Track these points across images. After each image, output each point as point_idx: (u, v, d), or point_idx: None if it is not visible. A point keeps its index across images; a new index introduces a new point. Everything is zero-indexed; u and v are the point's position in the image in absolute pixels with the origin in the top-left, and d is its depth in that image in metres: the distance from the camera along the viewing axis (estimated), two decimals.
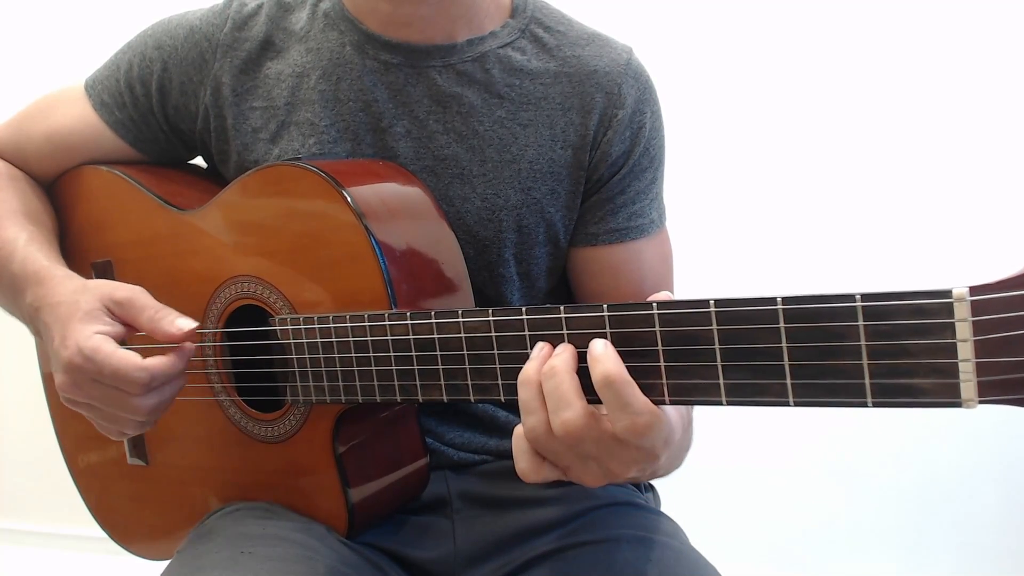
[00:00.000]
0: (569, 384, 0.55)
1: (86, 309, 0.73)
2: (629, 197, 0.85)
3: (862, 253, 1.57)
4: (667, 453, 0.58)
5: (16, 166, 0.93)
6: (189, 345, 0.73)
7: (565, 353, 0.56)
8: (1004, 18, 1.48)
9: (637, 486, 0.91)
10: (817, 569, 1.67)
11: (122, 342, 0.73)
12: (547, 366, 0.56)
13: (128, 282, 0.88)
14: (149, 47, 0.87)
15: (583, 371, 0.55)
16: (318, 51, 0.83)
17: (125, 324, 0.74)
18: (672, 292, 0.92)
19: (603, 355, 0.54)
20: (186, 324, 0.72)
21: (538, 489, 0.84)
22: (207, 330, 0.81)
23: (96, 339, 0.70)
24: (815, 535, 1.67)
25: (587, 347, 0.55)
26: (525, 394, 0.57)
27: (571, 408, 0.55)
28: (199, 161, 0.95)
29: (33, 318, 0.79)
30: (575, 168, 0.83)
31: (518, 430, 0.59)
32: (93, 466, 0.97)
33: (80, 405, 0.74)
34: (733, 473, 1.67)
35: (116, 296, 0.74)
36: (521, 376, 0.58)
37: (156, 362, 0.70)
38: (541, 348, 0.58)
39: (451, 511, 0.83)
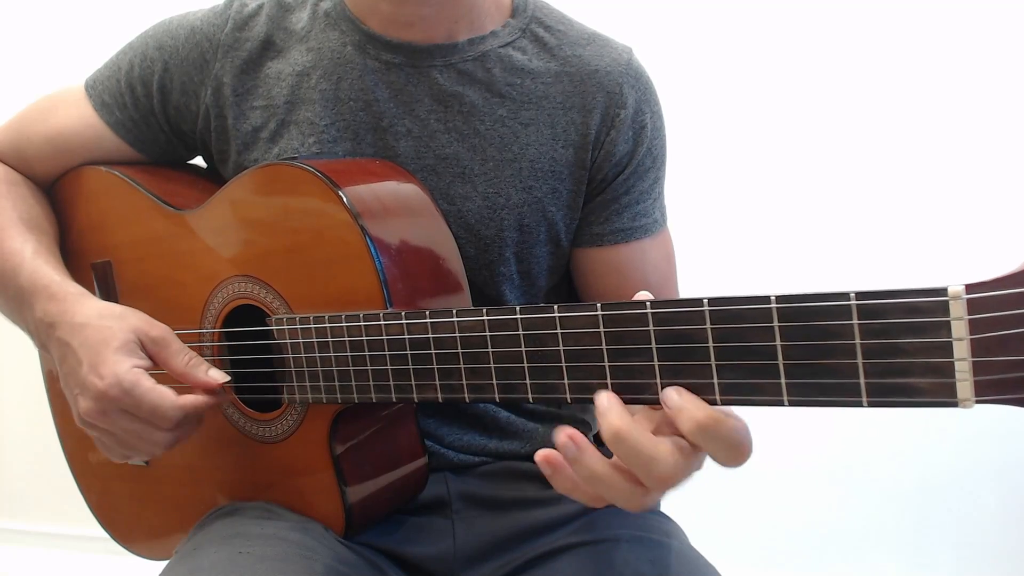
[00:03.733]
0: (644, 439, 0.51)
1: (122, 340, 0.73)
2: (633, 197, 0.85)
3: (857, 252, 1.57)
4: None
5: (16, 168, 0.93)
6: (223, 394, 0.76)
7: (615, 405, 0.53)
8: (1001, 18, 1.48)
9: None
10: (817, 569, 1.67)
11: None
12: (609, 431, 0.52)
13: (128, 282, 0.89)
14: (150, 47, 0.87)
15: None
16: (319, 51, 0.83)
17: (154, 360, 0.75)
18: (677, 289, 0.92)
19: (682, 401, 0.52)
20: (219, 376, 0.75)
21: (538, 489, 0.84)
22: (204, 330, 0.81)
23: (135, 372, 0.72)
24: (815, 535, 1.67)
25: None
26: (611, 493, 0.54)
27: (661, 462, 0.51)
28: (199, 161, 0.95)
29: (43, 332, 0.79)
30: (577, 167, 0.83)
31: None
32: (94, 466, 0.97)
33: (99, 430, 0.75)
34: (733, 473, 1.67)
35: (152, 334, 0.75)
36: (591, 475, 0.53)
37: (190, 401, 0.73)
38: (572, 439, 0.53)
39: (451, 512, 0.83)
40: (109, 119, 0.89)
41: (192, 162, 0.96)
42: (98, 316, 0.75)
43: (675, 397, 0.52)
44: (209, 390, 0.74)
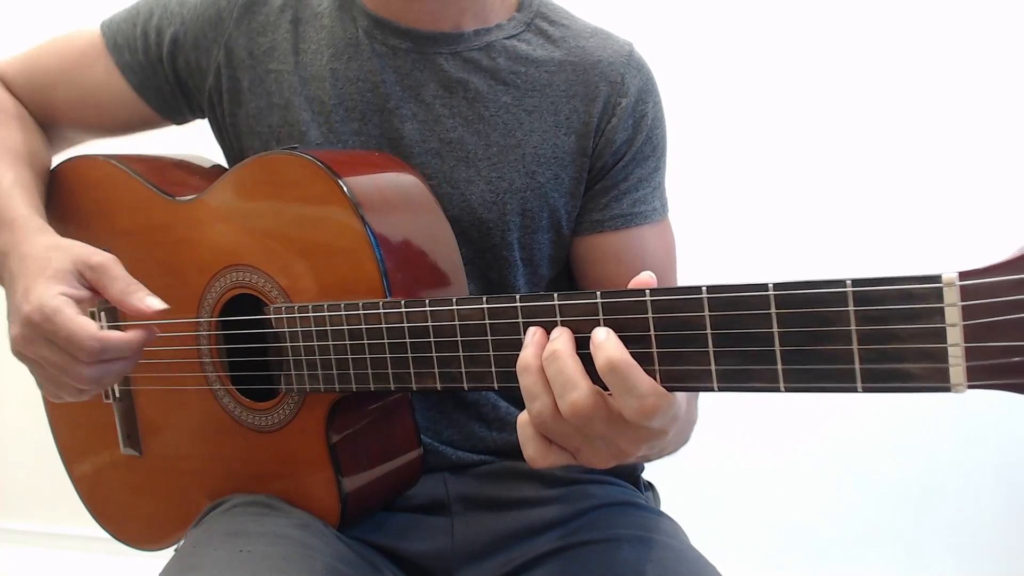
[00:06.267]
0: (573, 366, 0.55)
1: (56, 268, 0.73)
2: (632, 184, 0.86)
3: (853, 240, 1.58)
4: (675, 428, 0.58)
5: (24, 95, 0.94)
6: (155, 331, 0.74)
7: (563, 336, 0.56)
8: (996, 12, 1.49)
9: (637, 486, 0.91)
10: (817, 569, 1.67)
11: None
12: (548, 351, 0.56)
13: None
14: (172, 1, 0.89)
15: (584, 357, 0.55)
16: (331, 30, 0.85)
17: (94, 290, 0.74)
18: (675, 281, 0.92)
19: (605, 342, 0.54)
20: (156, 303, 0.73)
21: (538, 489, 0.84)
22: (202, 319, 0.82)
23: (59, 300, 0.70)
24: (815, 535, 1.67)
25: (582, 333, 0.55)
26: (527, 380, 0.57)
27: (577, 389, 0.54)
28: (199, 138, 0.95)
29: (0, 264, 0.79)
30: (578, 155, 0.84)
31: (523, 417, 0.58)
32: (86, 456, 0.97)
33: (27, 360, 0.75)
34: (733, 473, 1.67)
35: (91, 261, 0.74)
36: (520, 363, 0.57)
37: (111, 335, 0.71)
38: (534, 334, 0.57)
39: (450, 513, 0.83)
40: (119, 60, 0.91)
41: (191, 147, 0.97)
42: (45, 248, 0.75)
43: (600, 334, 0.54)
44: (144, 317, 0.72)
